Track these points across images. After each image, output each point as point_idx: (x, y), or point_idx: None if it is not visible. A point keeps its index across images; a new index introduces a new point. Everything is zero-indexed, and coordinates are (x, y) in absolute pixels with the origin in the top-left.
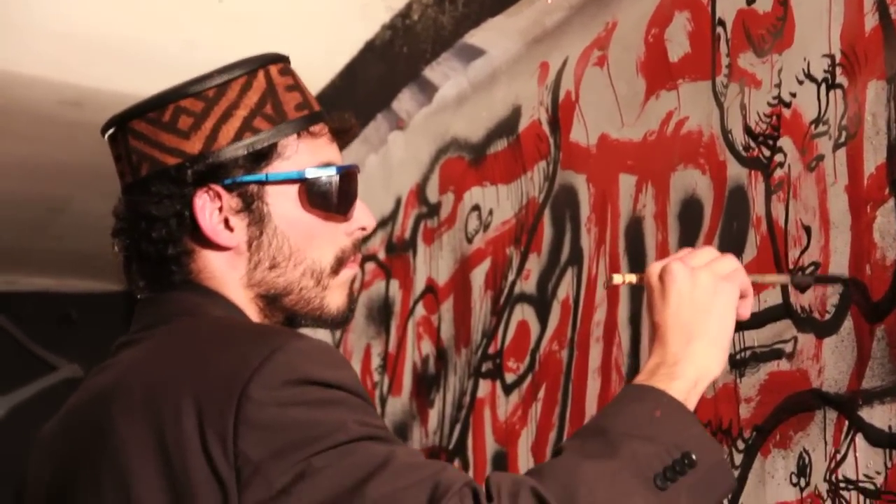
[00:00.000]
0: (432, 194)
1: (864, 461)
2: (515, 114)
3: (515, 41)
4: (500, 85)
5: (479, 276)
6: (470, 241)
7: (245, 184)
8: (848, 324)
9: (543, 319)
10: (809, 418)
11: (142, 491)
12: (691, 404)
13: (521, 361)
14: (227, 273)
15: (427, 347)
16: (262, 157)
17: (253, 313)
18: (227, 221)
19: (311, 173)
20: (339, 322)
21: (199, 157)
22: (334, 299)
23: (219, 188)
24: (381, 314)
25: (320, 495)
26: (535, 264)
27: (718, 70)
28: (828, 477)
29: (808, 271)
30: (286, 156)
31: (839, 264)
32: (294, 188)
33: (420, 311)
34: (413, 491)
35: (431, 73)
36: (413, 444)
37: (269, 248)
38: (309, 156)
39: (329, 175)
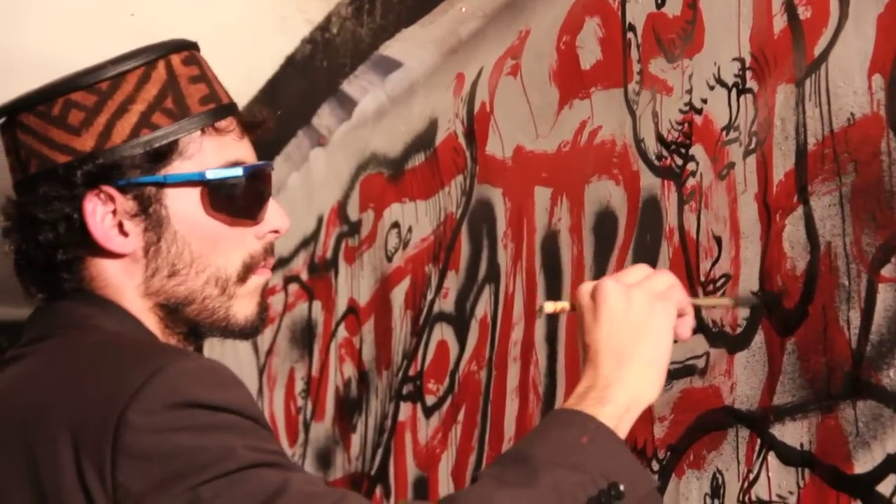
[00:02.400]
0: (353, 212)
1: (777, 481)
2: (432, 127)
3: (431, 52)
4: (418, 97)
5: (399, 295)
6: (390, 259)
7: (141, 185)
8: (759, 338)
9: (462, 339)
10: (722, 437)
11: None
12: (623, 431)
13: (440, 383)
14: (122, 281)
15: (349, 370)
16: (160, 155)
17: (152, 324)
18: (121, 226)
19: (212, 174)
20: (248, 333)
21: (91, 156)
22: (242, 309)
23: (112, 190)
24: (304, 337)
25: None
26: (453, 282)
27: (630, 77)
28: (741, 498)
29: (718, 283)
30: (188, 154)
31: (750, 276)
32: (196, 190)
33: (342, 332)
34: None
35: (350, 87)
36: (336, 471)
37: (168, 255)
38: (214, 154)
39: (234, 176)
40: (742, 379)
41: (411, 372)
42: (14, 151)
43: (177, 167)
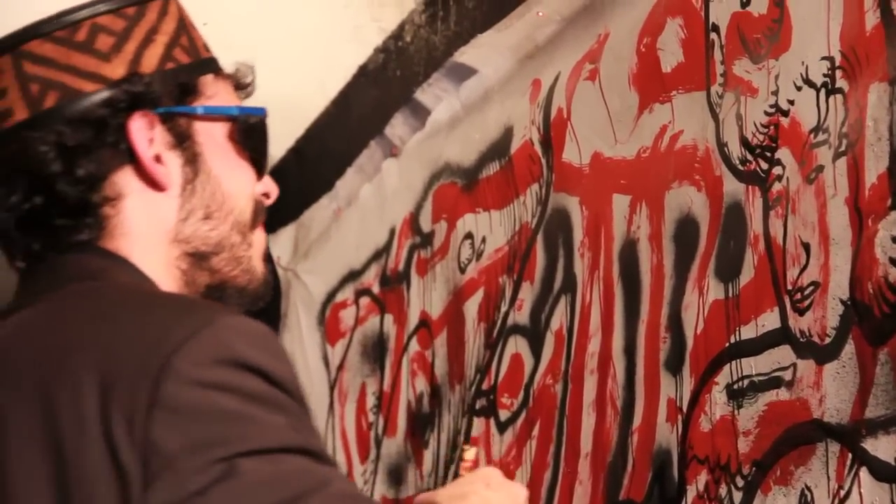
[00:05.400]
0: (426, 223)
1: (870, 497)
2: (507, 135)
3: (507, 58)
4: (493, 105)
5: (472, 307)
6: (463, 270)
7: (177, 115)
8: (849, 348)
9: (537, 352)
10: (811, 451)
11: (20, 483)
12: None
13: (514, 397)
14: (152, 226)
15: (421, 385)
16: (188, 90)
17: (170, 281)
18: (158, 158)
19: (243, 111)
20: (264, 292)
21: (125, 81)
22: (258, 262)
23: (153, 116)
24: (376, 351)
25: None
26: (528, 293)
27: (713, 79)
28: None
29: (807, 291)
30: (207, 94)
31: (840, 283)
32: (223, 128)
33: (414, 346)
34: None
35: (423, 95)
36: (408, 488)
37: (203, 194)
38: (227, 98)
39: (258, 113)
40: (832, 391)
41: (485, 386)
42: (17, 88)
43: (204, 103)
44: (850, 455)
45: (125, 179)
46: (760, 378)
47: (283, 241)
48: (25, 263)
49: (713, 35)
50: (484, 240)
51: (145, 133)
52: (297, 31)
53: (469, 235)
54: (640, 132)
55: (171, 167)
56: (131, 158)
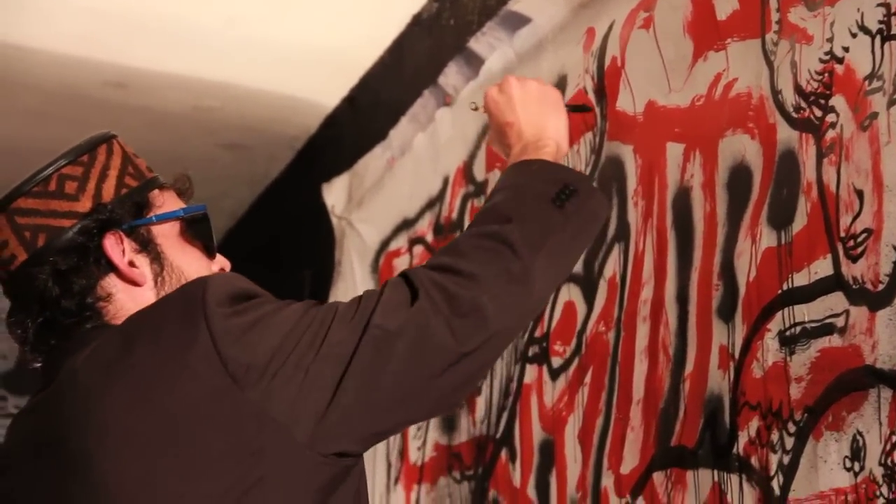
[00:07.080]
0: (479, 172)
1: None
2: (561, 83)
3: (561, 7)
4: (546, 54)
5: None
6: None
7: (137, 227)
8: None
9: (590, 299)
10: (863, 398)
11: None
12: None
13: (567, 344)
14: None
15: None
16: (142, 206)
17: None
18: (131, 263)
19: (187, 211)
20: None
21: (94, 212)
22: None
23: (119, 233)
24: None
25: (312, 350)
26: None
27: (768, 27)
28: (883, 461)
29: (860, 238)
30: (157, 205)
31: (893, 230)
32: (176, 228)
33: None
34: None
35: (477, 44)
36: (461, 434)
37: (171, 282)
38: (173, 203)
39: (201, 212)
40: (884, 337)
41: (537, 334)
42: (14, 238)
43: (155, 213)
44: None
45: (111, 283)
46: (813, 325)
47: (337, 191)
48: (47, 353)
49: None
50: None
51: (118, 247)
52: None
53: None
54: (694, 80)
55: (143, 267)
56: (112, 268)
